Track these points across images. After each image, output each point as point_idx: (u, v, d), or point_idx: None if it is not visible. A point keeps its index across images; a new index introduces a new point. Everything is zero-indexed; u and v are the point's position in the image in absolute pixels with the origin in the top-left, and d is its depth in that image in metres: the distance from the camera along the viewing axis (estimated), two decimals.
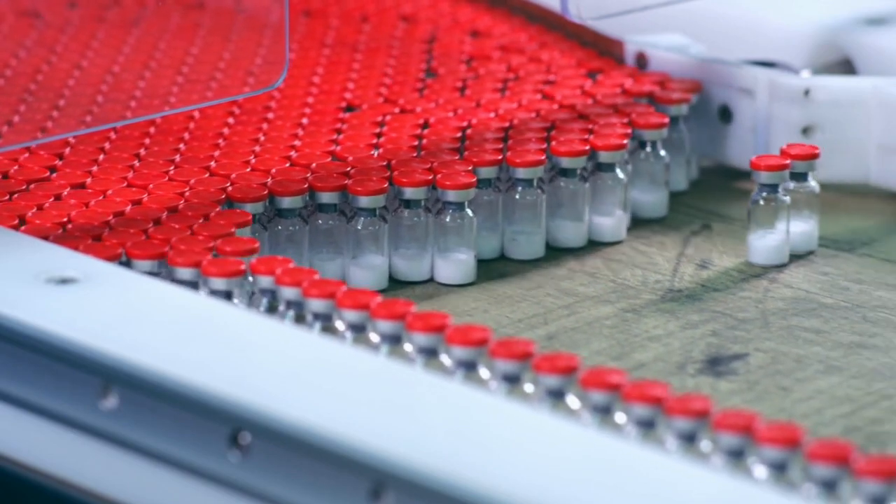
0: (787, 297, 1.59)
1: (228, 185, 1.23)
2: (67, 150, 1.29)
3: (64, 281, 1.07)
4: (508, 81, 1.54)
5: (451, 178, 1.26)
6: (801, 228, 1.40)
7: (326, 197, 1.26)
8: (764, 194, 1.33)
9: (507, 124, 1.39)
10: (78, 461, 1.02)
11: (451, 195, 1.27)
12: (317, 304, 1.01)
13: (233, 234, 1.17)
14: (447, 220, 1.29)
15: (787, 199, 1.34)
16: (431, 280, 1.37)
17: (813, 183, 1.39)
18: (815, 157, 1.34)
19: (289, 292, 1.03)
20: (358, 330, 0.99)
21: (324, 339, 1.00)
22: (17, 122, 1.39)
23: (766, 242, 1.37)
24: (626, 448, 0.79)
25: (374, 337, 0.97)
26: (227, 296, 1.07)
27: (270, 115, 1.45)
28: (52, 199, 1.19)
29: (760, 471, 0.81)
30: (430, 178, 1.28)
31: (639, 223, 1.48)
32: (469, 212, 1.29)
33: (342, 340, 1.00)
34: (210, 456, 0.88)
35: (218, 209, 1.21)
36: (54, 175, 1.26)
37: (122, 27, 1.73)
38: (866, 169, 1.45)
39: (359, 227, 1.27)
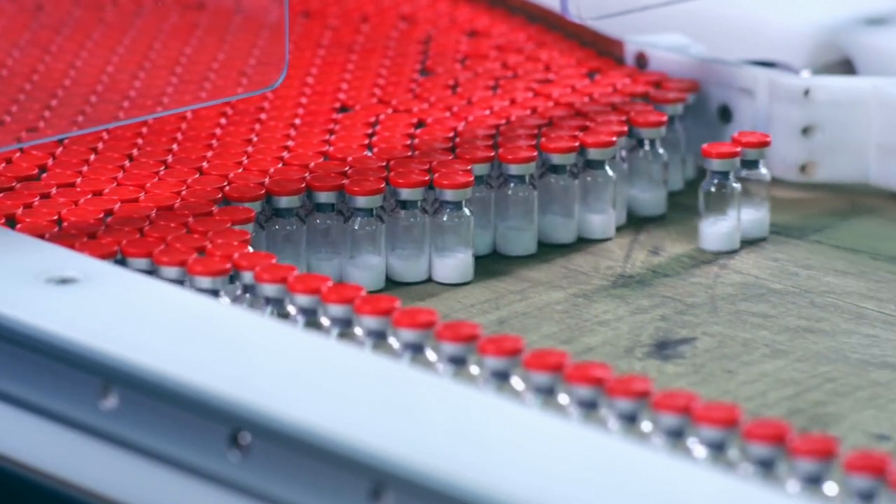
0: (737, 282, 1.60)
1: (226, 184, 1.23)
2: (60, 149, 1.29)
3: (64, 281, 1.07)
4: (504, 80, 1.54)
5: (448, 177, 1.25)
6: (752, 215, 1.41)
7: (324, 197, 1.25)
8: (715, 181, 1.33)
9: (501, 122, 1.39)
10: (78, 461, 1.02)
11: (449, 194, 1.27)
12: (269, 289, 1.02)
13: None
14: (444, 219, 1.29)
15: (738, 186, 1.34)
16: (429, 280, 1.37)
17: (764, 170, 1.40)
18: (766, 144, 1.34)
19: (245, 277, 1.04)
20: (309, 314, 1.00)
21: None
22: (8, 123, 1.39)
23: (717, 229, 1.38)
24: (624, 448, 0.79)
25: (325, 321, 0.98)
26: (214, 294, 1.08)
27: (263, 116, 1.44)
28: (37, 199, 1.19)
29: (699, 450, 0.82)
30: (427, 178, 1.27)
31: (634, 220, 1.49)
32: (466, 211, 1.29)
33: (294, 325, 1.00)
34: (210, 456, 0.88)
35: (215, 207, 1.20)
36: (44, 175, 1.25)
37: (119, 27, 1.72)
38: (866, 169, 1.45)
39: (356, 228, 1.27)
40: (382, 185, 1.24)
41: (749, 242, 1.49)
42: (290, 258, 1.20)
